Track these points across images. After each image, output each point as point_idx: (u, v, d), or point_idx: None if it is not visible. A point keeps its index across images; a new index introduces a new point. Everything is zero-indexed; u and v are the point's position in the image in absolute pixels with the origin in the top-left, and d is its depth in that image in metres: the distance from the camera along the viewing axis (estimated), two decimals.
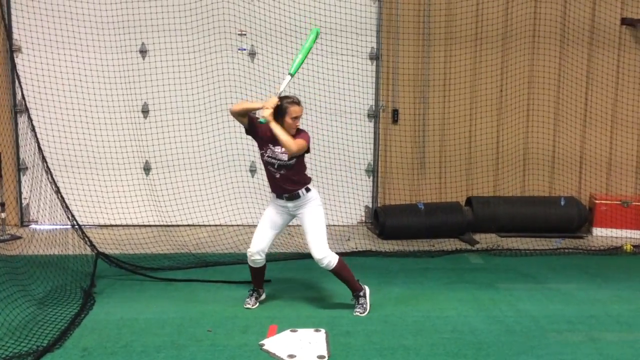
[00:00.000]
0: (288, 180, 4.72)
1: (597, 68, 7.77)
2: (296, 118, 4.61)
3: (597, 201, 7.60)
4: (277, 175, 4.72)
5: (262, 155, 4.77)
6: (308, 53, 4.80)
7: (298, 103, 4.65)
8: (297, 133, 4.67)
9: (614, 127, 7.89)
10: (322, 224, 4.81)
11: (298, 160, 4.71)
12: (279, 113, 4.59)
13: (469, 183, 7.88)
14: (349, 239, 7.07)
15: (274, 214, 4.87)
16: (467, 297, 5.33)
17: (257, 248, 4.85)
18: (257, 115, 4.72)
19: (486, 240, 7.17)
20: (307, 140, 4.69)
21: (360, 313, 4.85)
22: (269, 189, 4.96)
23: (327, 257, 4.76)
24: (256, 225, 7.18)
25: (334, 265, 4.79)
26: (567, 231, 7.44)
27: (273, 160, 4.69)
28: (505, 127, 7.85)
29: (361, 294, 4.92)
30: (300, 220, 4.86)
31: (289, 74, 4.75)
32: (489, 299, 5.27)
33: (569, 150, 7.90)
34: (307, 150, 4.74)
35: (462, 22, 7.55)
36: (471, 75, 7.72)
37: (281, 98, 4.64)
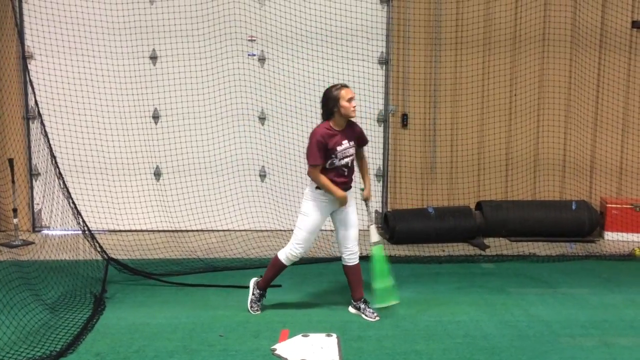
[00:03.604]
0: (352, 172, 4.85)
1: (608, 72, 7.73)
2: (351, 99, 4.65)
3: (608, 205, 7.55)
4: (346, 173, 4.78)
5: (331, 165, 4.70)
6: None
7: (346, 85, 4.71)
8: (352, 127, 4.77)
9: (625, 131, 7.85)
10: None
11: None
12: (333, 103, 4.63)
13: (479, 187, 7.85)
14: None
15: (320, 214, 4.80)
16: (478, 301, 5.31)
17: (307, 248, 4.89)
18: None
19: (497, 244, 7.14)
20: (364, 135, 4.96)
21: (377, 317, 4.85)
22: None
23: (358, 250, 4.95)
24: (266, 230, 7.24)
25: (357, 261, 4.93)
26: (578, 235, 7.40)
27: (346, 159, 4.73)
28: (515, 131, 7.83)
29: (364, 300, 4.95)
30: (341, 213, 4.84)
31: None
32: (500, 304, 5.25)
33: (580, 154, 7.86)
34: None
35: (472, 27, 7.55)
36: (481, 79, 7.70)
37: (329, 88, 4.73)
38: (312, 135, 4.68)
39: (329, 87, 4.75)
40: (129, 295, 5.39)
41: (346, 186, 4.81)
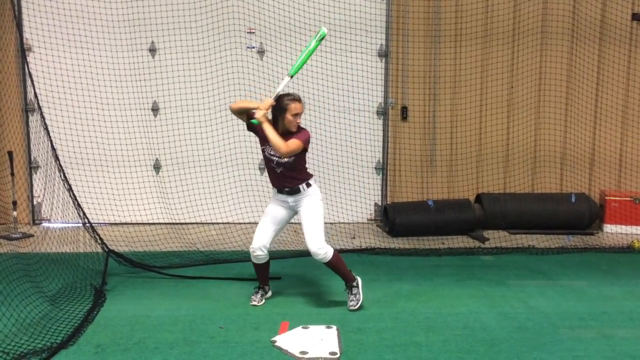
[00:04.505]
0: (288, 177, 4.78)
1: (608, 65, 7.73)
2: (297, 115, 4.65)
3: (608, 198, 7.56)
4: (278, 171, 4.78)
5: (263, 151, 4.84)
6: (310, 55, 4.83)
7: (298, 100, 4.69)
8: (297, 131, 4.70)
9: (624, 124, 7.86)
10: (320, 217, 4.82)
11: (297, 158, 4.73)
12: (280, 110, 4.65)
13: (478, 180, 7.86)
14: (354, 237, 7.07)
15: (275, 209, 4.91)
16: (478, 293, 5.32)
17: (259, 243, 4.89)
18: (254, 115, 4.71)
19: (496, 237, 7.15)
20: (304, 140, 4.67)
21: (354, 306, 4.86)
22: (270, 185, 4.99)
23: (322, 248, 4.77)
24: None
25: (330, 258, 4.81)
26: (578, 228, 7.42)
27: (273, 157, 4.75)
28: (515, 124, 7.83)
29: (354, 283, 4.95)
30: (299, 214, 4.89)
31: (289, 75, 4.80)
32: (500, 296, 5.26)
33: (579, 147, 7.87)
34: (305, 149, 4.74)
35: (472, 19, 7.53)
36: (481, 72, 7.69)
37: (282, 95, 4.70)
38: None
39: (285, 93, 4.71)
40: (129, 287, 5.39)
41: (280, 186, 4.81)
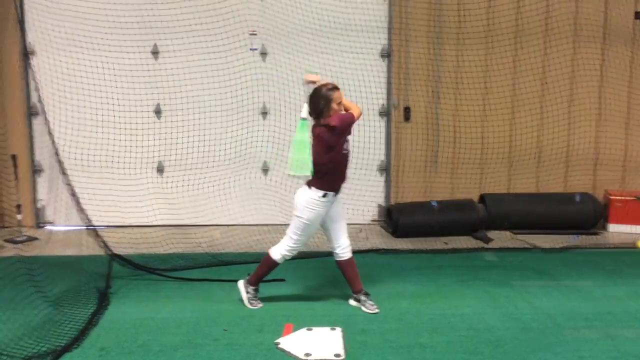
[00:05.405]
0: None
1: (611, 64, 7.70)
2: (340, 103, 4.67)
3: (612, 197, 7.53)
4: (346, 165, 4.85)
5: (340, 152, 4.75)
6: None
7: (337, 87, 4.69)
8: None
9: (628, 123, 7.83)
10: None
11: None
12: (323, 103, 4.59)
13: (482, 180, 7.84)
14: (360, 231, 7.07)
15: (320, 216, 4.80)
16: (482, 294, 5.31)
17: (302, 249, 4.96)
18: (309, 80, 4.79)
19: (500, 237, 7.13)
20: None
21: (377, 308, 4.86)
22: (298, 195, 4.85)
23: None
24: (269, 224, 7.25)
25: (351, 255, 4.92)
26: (582, 228, 7.39)
27: (349, 148, 4.80)
28: (518, 124, 7.81)
29: (364, 292, 4.96)
30: (331, 209, 4.84)
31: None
32: (504, 297, 5.25)
33: (583, 147, 7.84)
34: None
35: (474, 19, 7.51)
36: (484, 72, 7.68)
37: (320, 87, 4.66)
38: (337, 118, 4.63)
39: (319, 86, 4.67)
40: (133, 290, 5.40)
41: (343, 183, 4.86)
